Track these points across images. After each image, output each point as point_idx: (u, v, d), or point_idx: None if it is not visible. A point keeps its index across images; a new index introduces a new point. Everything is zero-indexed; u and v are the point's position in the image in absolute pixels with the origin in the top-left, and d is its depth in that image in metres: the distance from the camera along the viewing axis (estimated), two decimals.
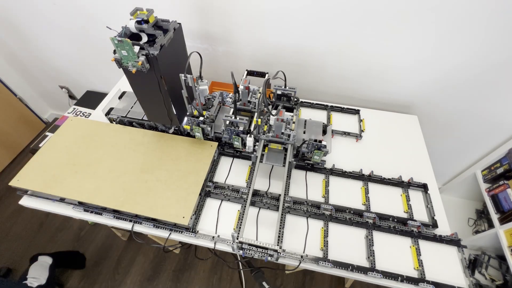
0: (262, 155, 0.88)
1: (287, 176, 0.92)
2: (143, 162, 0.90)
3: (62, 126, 0.99)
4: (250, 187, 0.80)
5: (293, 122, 0.87)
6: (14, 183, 0.84)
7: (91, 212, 0.84)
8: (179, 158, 0.91)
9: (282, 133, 0.83)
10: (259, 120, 0.82)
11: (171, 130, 0.97)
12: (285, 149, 0.89)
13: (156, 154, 0.92)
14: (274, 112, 0.81)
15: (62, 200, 0.86)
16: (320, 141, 0.86)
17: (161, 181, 0.85)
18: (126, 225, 0.83)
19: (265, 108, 0.81)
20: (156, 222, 0.82)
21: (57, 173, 0.86)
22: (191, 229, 0.80)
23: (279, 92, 0.93)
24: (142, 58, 0.68)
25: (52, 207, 0.86)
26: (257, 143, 0.88)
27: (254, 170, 0.84)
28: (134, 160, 0.90)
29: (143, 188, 0.84)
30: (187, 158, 0.91)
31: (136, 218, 0.82)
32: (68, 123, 1.00)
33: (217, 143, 0.94)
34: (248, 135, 0.85)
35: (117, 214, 0.84)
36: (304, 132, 0.95)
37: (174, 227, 0.81)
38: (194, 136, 0.95)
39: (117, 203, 0.80)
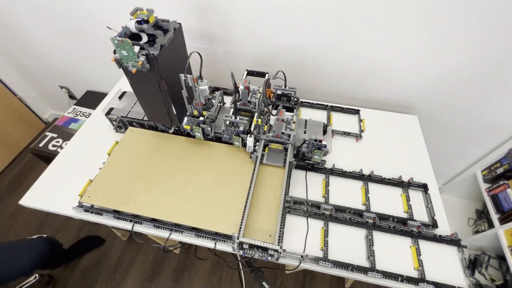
0: (263, 155, 0.88)
1: (287, 176, 0.92)
2: (215, 176, 0.86)
3: (123, 137, 0.96)
4: (250, 188, 0.80)
5: (293, 122, 0.87)
6: (85, 199, 0.81)
7: (91, 212, 0.84)
8: (251, 172, 0.86)
9: (283, 133, 0.84)
10: (259, 120, 0.82)
11: (171, 130, 0.97)
12: (285, 149, 0.89)
13: (227, 168, 0.88)
14: (274, 112, 0.81)
15: (135, 216, 0.83)
16: (320, 141, 0.86)
17: (238, 197, 0.81)
18: (126, 225, 0.83)
19: (265, 108, 0.81)
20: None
21: (128, 189, 0.83)
22: (278, 248, 0.71)
23: (279, 92, 0.93)
24: (142, 58, 0.68)
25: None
26: (257, 143, 0.88)
27: (254, 170, 0.84)
28: (205, 173, 0.87)
29: (222, 204, 0.80)
30: (228, 164, 0.88)
31: (216, 236, 0.79)
32: (129, 134, 0.97)
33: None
34: (248, 135, 0.85)
35: (118, 214, 0.84)
36: (305, 132, 0.95)
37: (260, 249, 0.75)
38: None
39: (198, 221, 0.77)
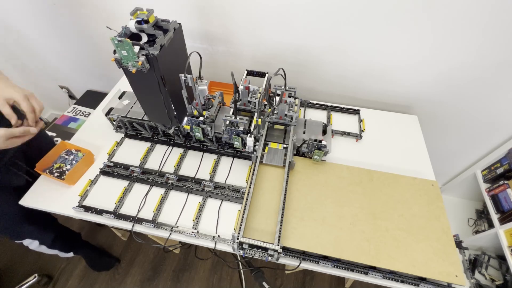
0: (262, 155, 0.88)
1: (287, 176, 0.92)
2: (369, 206, 0.80)
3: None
4: (250, 187, 0.80)
5: (296, 105, 0.91)
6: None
7: (91, 212, 0.84)
8: (405, 200, 0.82)
9: (285, 115, 0.88)
10: (259, 120, 0.82)
11: (171, 130, 0.97)
12: (285, 149, 0.89)
13: (377, 195, 0.82)
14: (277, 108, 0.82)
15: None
16: (320, 141, 0.86)
17: (403, 230, 0.76)
18: (126, 225, 0.83)
19: (266, 108, 0.82)
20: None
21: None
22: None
23: (279, 92, 0.93)
24: (142, 58, 0.68)
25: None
26: (257, 143, 0.88)
27: (254, 170, 0.84)
28: (358, 203, 0.81)
29: (388, 238, 0.75)
30: (413, 200, 0.82)
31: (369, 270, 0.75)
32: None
33: (437, 182, 0.86)
34: (248, 135, 0.85)
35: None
36: (304, 132, 0.95)
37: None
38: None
39: (369, 257, 0.72)
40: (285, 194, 0.80)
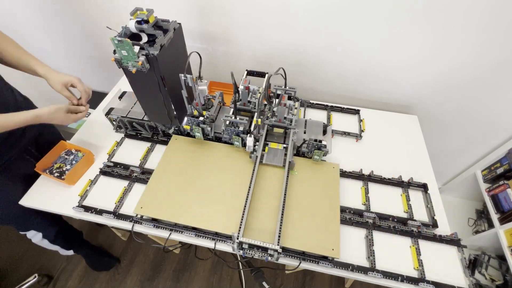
0: (262, 155, 0.88)
1: (287, 176, 0.92)
2: (266, 187, 0.84)
3: (168, 146, 0.94)
4: (250, 187, 0.81)
5: (295, 108, 0.90)
6: (137, 211, 0.80)
7: (91, 212, 0.84)
8: (303, 181, 0.86)
9: (285, 118, 0.86)
10: (259, 120, 0.82)
11: (171, 130, 0.97)
12: (285, 149, 0.89)
13: (277, 176, 0.86)
14: (275, 108, 0.82)
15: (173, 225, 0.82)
16: (320, 141, 0.86)
17: (292, 208, 0.80)
18: (126, 225, 0.83)
19: (266, 108, 0.82)
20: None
21: (179, 200, 0.82)
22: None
23: (279, 92, 0.93)
24: (142, 58, 0.68)
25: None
26: (257, 143, 0.88)
27: (254, 170, 0.84)
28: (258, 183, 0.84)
29: (277, 216, 0.78)
30: (311, 181, 0.86)
31: (215, 236, 0.79)
32: (173, 142, 0.95)
33: (338, 164, 0.90)
34: (248, 135, 0.85)
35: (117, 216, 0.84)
36: (305, 132, 0.95)
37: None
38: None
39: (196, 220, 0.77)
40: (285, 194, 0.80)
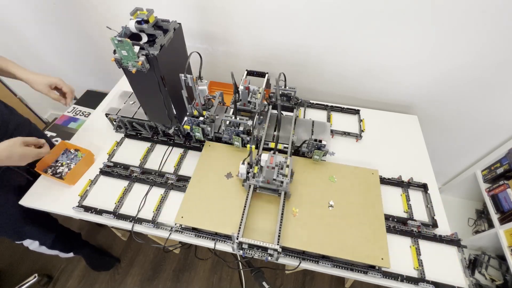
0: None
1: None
2: (307, 194, 0.83)
3: (202, 154, 0.92)
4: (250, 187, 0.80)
5: (287, 166, 0.77)
6: (178, 220, 0.77)
7: (91, 212, 0.84)
8: (344, 188, 0.84)
9: (274, 180, 0.75)
10: (253, 147, 0.78)
11: (171, 130, 0.97)
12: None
13: (317, 183, 0.85)
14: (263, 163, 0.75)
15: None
16: (320, 141, 0.86)
17: (337, 216, 0.78)
18: (126, 225, 0.83)
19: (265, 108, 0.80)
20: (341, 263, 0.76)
21: (219, 208, 0.80)
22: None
23: (279, 92, 0.93)
24: (142, 58, 0.68)
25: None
26: (250, 169, 0.81)
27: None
28: (298, 191, 0.83)
29: (323, 225, 0.77)
30: (352, 188, 0.84)
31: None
32: (207, 150, 0.93)
33: (378, 170, 0.88)
34: (241, 162, 0.81)
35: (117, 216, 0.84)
36: (312, 133, 0.94)
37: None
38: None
39: (301, 242, 0.74)
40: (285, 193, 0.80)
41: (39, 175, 0.92)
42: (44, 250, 1.16)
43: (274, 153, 0.76)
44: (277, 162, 0.74)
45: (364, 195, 0.83)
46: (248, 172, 0.81)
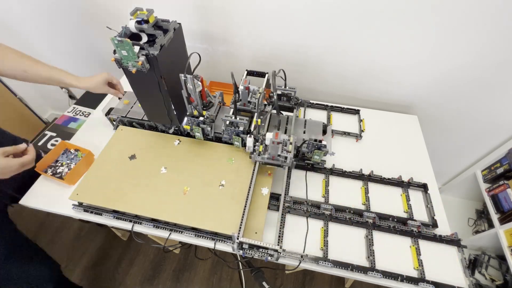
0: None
1: (287, 177, 0.92)
2: (203, 175, 0.87)
3: (113, 136, 0.96)
4: (250, 187, 0.80)
5: (290, 143, 0.80)
6: (73, 197, 0.81)
7: (91, 212, 0.84)
8: (239, 169, 0.88)
9: (279, 155, 0.79)
10: (259, 120, 0.82)
11: (171, 130, 0.97)
12: None
13: (216, 166, 0.89)
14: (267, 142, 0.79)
15: (117, 213, 0.83)
16: (320, 141, 0.86)
17: (225, 195, 0.82)
18: (126, 225, 0.83)
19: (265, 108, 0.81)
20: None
21: (117, 187, 0.83)
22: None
23: (279, 92, 0.93)
24: (142, 58, 0.68)
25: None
26: (257, 143, 0.87)
27: (255, 170, 0.84)
28: (194, 172, 0.87)
29: (211, 202, 0.81)
30: (245, 169, 0.88)
31: (215, 236, 0.79)
32: (119, 133, 0.97)
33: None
34: (248, 135, 0.85)
35: (118, 214, 0.84)
36: (304, 132, 0.95)
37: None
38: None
39: (190, 219, 0.78)
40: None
41: (38, 176, 0.92)
42: None
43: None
44: (281, 139, 0.78)
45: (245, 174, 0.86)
46: (254, 145, 0.84)
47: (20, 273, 0.89)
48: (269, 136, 0.77)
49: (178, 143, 0.95)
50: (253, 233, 0.76)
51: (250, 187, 0.81)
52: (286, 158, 0.78)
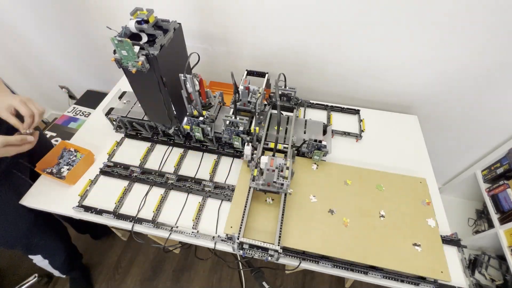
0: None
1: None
2: (357, 203, 0.81)
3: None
4: (250, 187, 0.80)
5: (287, 168, 0.74)
6: (227, 230, 0.77)
7: (91, 212, 0.84)
8: (393, 197, 0.83)
9: (274, 182, 0.73)
10: (257, 128, 0.79)
11: (171, 130, 0.97)
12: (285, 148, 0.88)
13: (365, 192, 0.84)
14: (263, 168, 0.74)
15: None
16: (320, 141, 0.86)
17: (388, 227, 0.77)
18: (126, 225, 0.83)
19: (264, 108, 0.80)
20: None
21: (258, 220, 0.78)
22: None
23: (279, 92, 0.93)
24: (142, 58, 0.68)
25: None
26: (255, 151, 0.84)
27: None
28: (347, 200, 0.82)
29: (375, 235, 0.76)
30: (400, 198, 0.83)
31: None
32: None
33: (425, 179, 0.86)
34: (246, 143, 0.83)
35: (117, 216, 0.84)
36: (305, 132, 0.95)
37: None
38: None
39: (355, 254, 0.73)
40: (285, 194, 0.80)
41: (38, 176, 0.92)
42: (45, 265, 1.12)
43: (273, 155, 0.76)
44: (277, 164, 0.74)
45: (414, 205, 0.82)
46: (252, 154, 0.82)
47: (41, 243, 0.98)
48: (264, 160, 0.73)
49: (316, 168, 0.90)
50: (438, 272, 0.71)
51: (250, 188, 0.80)
52: (282, 185, 0.73)
